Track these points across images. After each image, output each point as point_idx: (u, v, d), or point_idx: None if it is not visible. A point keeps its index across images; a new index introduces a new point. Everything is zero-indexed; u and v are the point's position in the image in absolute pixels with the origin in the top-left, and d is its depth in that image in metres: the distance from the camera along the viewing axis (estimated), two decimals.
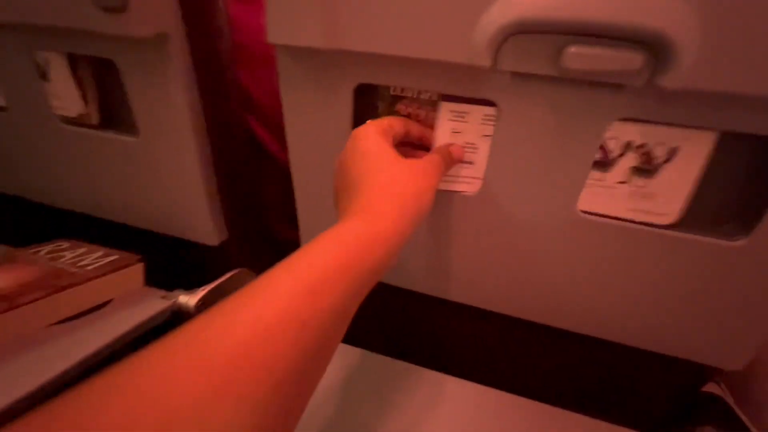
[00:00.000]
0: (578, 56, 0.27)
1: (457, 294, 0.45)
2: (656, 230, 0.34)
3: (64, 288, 0.41)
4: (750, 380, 0.50)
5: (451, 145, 0.36)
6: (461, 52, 0.29)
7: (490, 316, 0.45)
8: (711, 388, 0.48)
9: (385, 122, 0.33)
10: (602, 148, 0.33)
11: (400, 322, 0.55)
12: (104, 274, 0.45)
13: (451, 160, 0.35)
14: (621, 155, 0.33)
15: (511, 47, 0.29)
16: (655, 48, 0.26)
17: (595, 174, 0.34)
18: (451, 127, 0.36)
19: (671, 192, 0.32)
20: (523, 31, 0.28)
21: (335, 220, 0.46)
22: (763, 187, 0.31)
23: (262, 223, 0.65)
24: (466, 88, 0.33)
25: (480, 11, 0.28)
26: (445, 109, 0.35)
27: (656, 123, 0.31)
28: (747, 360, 0.38)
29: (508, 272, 0.41)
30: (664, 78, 0.26)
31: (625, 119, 0.31)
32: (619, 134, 0.32)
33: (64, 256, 0.48)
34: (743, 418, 0.40)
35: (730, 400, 0.46)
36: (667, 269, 0.35)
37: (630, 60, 0.26)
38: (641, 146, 0.32)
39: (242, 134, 0.54)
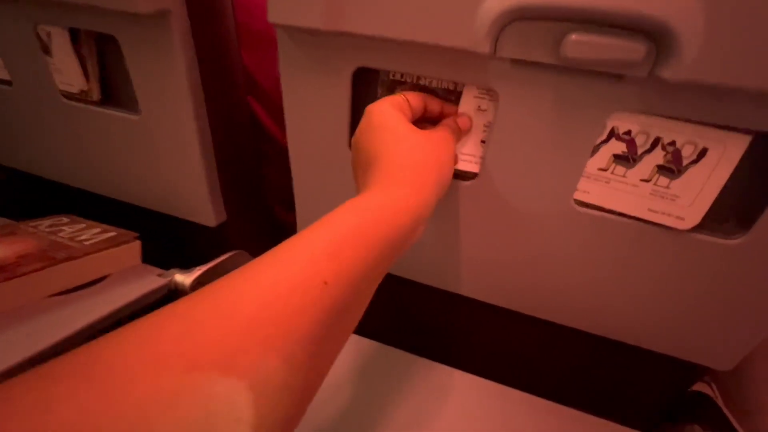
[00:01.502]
0: (579, 44, 0.26)
1: (455, 285, 0.45)
2: (653, 226, 0.33)
3: (62, 261, 0.42)
4: (740, 380, 0.50)
5: (460, 115, 0.35)
6: (461, 37, 0.29)
7: (489, 308, 0.45)
8: (701, 387, 0.48)
9: (401, 97, 0.32)
10: (630, 142, 0.31)
11: (406, 312, 0.55)
12: (102, 250, 0.46)
13: (460, 131, 0.35)
14: (648, 151, 0.31)
15: (512, 34, 0.28)
16: (657, 38, 0.25)
17: (618, 169, 0.32)
18: (476, 104, 0.35)
19: (694, 195, 0.31)
20: (523, 17, 0.27)
21: (332, 203, 0.46)
22: (761, 186, 0.30)
23: (261, 206, 0.65)
24: (465, 74, 0.33)
25: None
26: (471, 86, 0.35)
27: (689, 120, 0.29)
28: (738, 360, 0.38)
29: (504, 264, 0.40)
30: (666, 70, 0.26)
31: (626, 111, 0.30)
32: (648, 129, 0.31)
33: (63, 231, 0.48)
34: (730, 417, 0.40)
35: (718, 399, 0.46)
36: (663, 266, 0.35)
37: (632, 50, 0.26)
38: (671, 144, 0.30)
39: (244, 116, 0.54)
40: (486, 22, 0.28)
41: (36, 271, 0.39)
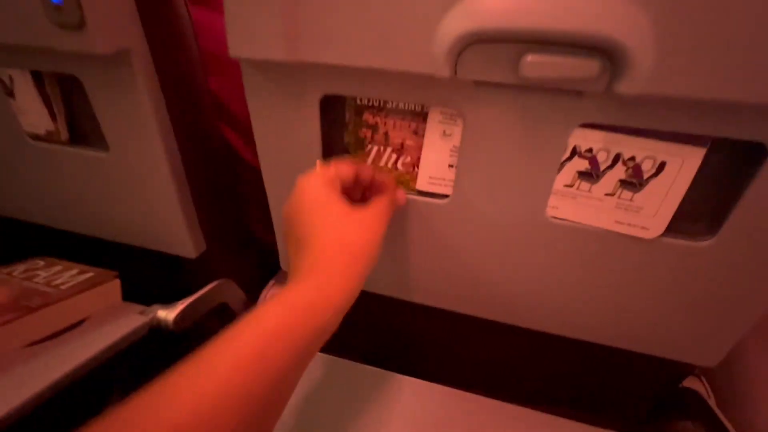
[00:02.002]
0: (536, 65, 0.27)
1: (433, 299, 0.45)
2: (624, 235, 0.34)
3: (37, 309, 0.41)
4: (730, 373, 0.50)
5: (396, 189, 0.36)
6: (421, 62, 0.29)
7: (467, 319, 0.45)
8: (692, 382, 0.48)
9: (332, 170, 0.32)
10: (592, 159, 0.32)
11: (376, 328, 0.55)
12: (79, 293, 0.45)
13: (394, 204, 0.35)
14: (610, 167, 0.32)
15: (470, 57, 0.28)
16: (611, 55, 0.26)
17: (583, 185, 0.33)
18: (441, 129, 0.35)
19: (657, 206, 0.32)
20: (480, 40, 0.27)
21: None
22: (727, 189, 0.31)
23: (242, 230, 0.65)
24: (430, 97, 0.33)
25: (437, 22, 0.28)
26: (435, 111, 0.35)
27: (645, 136, 0.30)
28: (722, 356, 0.39)
29: (483, 277, 0.41)
30: (621, 84, 0.26)
31: (589, 125, 0.31)
32: (609, 146, 0.31)
33: (38, 275, 0.47)
34: (718, 412, 0.41)
35: (708, 394, 0.46)
36: (640, 270, 0.35)
37: (587, 67, 0.26)
38: (630, 159, 0.31)
39: (216, 142, 0.54)
40: (444, 46, 0.28)
41: (9, 322, 0.38)
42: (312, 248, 0.28)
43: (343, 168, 0.33)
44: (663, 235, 0.33)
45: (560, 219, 0.35)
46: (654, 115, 0.29)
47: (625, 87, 0.26)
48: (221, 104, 0.53)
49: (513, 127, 0.32)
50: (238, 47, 0.33)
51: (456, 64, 0.29)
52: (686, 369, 0.44)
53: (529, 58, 0.27)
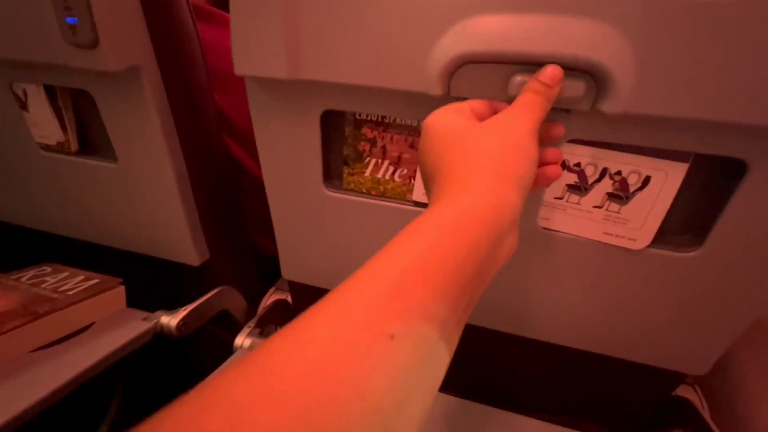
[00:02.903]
0: (524, 85, 0.28)
1: None
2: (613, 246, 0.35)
3: (44, 314, 0.42)
4: (723, 380, 0.51)
5: (546, 68, 0.27)
6: (416, 81, 0.31)
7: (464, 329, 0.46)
8: (684, 390, 0.49)
9: (465, 104, 0.28)
10: (581, 173, 0.33)
11: None
12: (85, 299, 0.46)
13: (549, 101, 0.27)
14: (598, 180, 0.33)
15: (462, 76, 0.30)
16: (595, 77, 0.27)
17: (573, 197, 0.34)
18: None
19: (643, 218, 0.33)
20: (472, 61, 0.29)
21: (312, 239, 0.47)
22: (710, 202, 0.32)
23: (245, 240, 0.66)
24: (425, 113, 0.35)
25: (431, 44, 0.29)
26: None
27: (630, 151, 0.31)
28: (711, 364, 0.40)
29: None
30: (605, 104, 0.28)
31: (576, 141, 0.32)
32: (596, 161, 0.33)
33: (45, 281, 0.49)
34: (709, 421, 0.41)
35: (700, 402, 0.47)
36: (629, 280, 0.37)
37: (573, 88, 0.27)
38: (617, 173, 0.32)
39: (221, 155, 0.56)
40: (437, 67, 0.30)
41: (17, 327, 0.40)
42: (444, 172, 0.24)
43: (475, 102, 0.28)
44: (651, 246, 0.34)
45: (551, 230, 0.36)
46: (637, 132, 0.30)
47: (609, 106, 0.27)
48: (226, 118, 0.55)
49: None
50: (243, 66, 0.35)
51: (449, 83, 0.30)
52: (678, 378, 0.45)
53: (518, 78, 0.28)
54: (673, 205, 0.34)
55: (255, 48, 0.33)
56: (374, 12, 0.30)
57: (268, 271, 0.65)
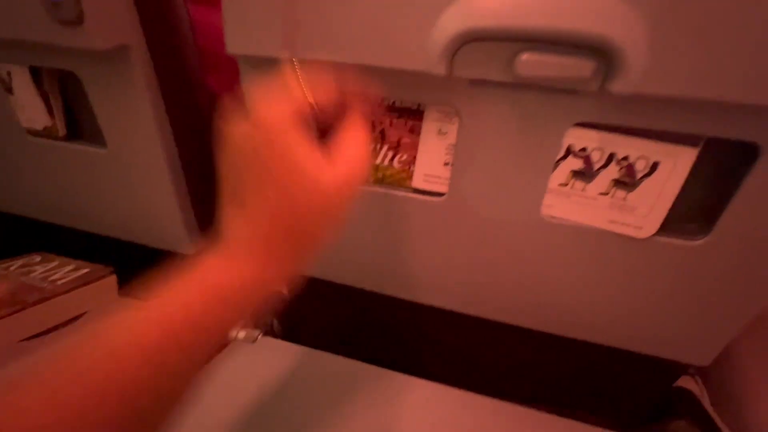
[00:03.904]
0: (530, 63, 0.27)
1: (430, 297, 0.45)
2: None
3: (33, 304, 0.41)
4: (723, 371, 0.50)
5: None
6: (417, 60, 0.29)
7: (466, 318, 0.45)
8: (686, 381, 0.49)
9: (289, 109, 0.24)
10: (586, 158, 0.32)
11: (375, 326, 0.55)
12: (75, 288, 0.45)
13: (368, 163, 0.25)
14: (604, 167, 0.32)
15: (466, 55, 0.28)
16: (604, 55, 0.26)
17: (578, 184, 0.33)
18: (437, 127, 0.36)
19: (650, 206, 0.32)
20: (475, 38, 0.28)
21: None
22: (720, 188, 0.31)
23: None
24: (426, 95, 0.33)
25: (433, 20, 0.28)
26: (431, 109, 0.35)
27: (639, 136, 0.30)
28: (715, 355, 0.39)
29: (479, 275, 0.41)
30: (615, 84, 0.26)
31: (584, 124, 0.31)
32: (603, 146, 0.31)
33: (35, 270, 0.47)
34: (711, 411, 0.41)
35: (702, 393, 0.46)
36: (634, 269, 0.36)
37: (581, 67, 0.26)
38: (624, 158, 0.31)
39: (213, 139, 0.54)
40: (440, 44, 0.28)
41: (5, 316, 0.38)
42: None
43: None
44: (657, 234, 0.33)
45: (555, 218, 0.35)
46: (648, 115, 0.29)
47: (619, 86, 0.26)
48: (218, 100, 0.53)
49: (508, 126, 0.32)
50: (236, 44, 0.33)
51: (452, 62, 0.29)
52: (680, 368, 0.44)
53: (524, 56, 0.27)
54: (681, 192, 0.33)
55: (247, 26, 0.32)
56: None
57: None
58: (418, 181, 0.38)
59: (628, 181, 0.31)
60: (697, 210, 0.33)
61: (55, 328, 0.44)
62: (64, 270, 0.48)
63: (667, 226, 0.33)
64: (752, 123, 0.27)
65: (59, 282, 0.45)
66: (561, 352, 0.46)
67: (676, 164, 0.29)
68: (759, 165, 0.28)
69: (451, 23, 0.27)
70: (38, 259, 0.51)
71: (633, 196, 0.31)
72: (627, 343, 0.40)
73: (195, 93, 0.48)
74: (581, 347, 0.43)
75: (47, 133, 0.47)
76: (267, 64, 0.35)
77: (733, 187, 0.30)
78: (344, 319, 0.58)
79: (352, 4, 0.29)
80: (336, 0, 0.29)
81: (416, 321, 0.52)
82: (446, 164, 0.37)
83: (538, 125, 0.31)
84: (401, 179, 0.39)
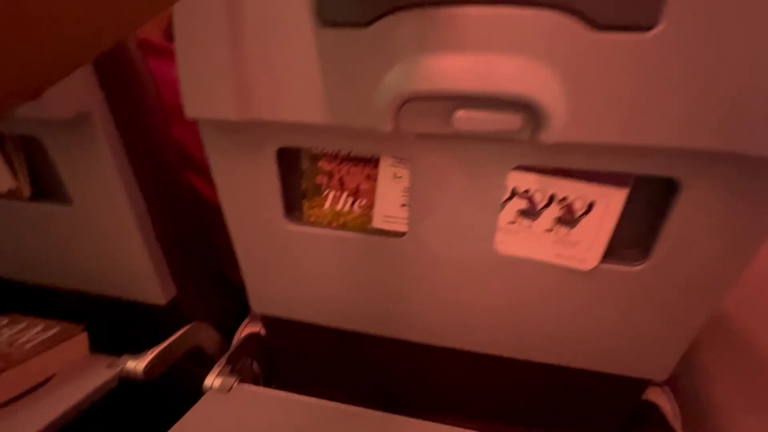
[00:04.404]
0: (464, 119, 0.29)
1: (398, 331, 0.46)
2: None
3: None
4: (692, 382, 0.53)
5: None
6: (365, 118, 0.31)
7: (438, 350, 0.46)
8: (655, 392, 0.50)
9: None
10: (530, 199, 0.35)
11: (358, 363, 0.55)
12: (45, 350, 0.44)
13: None
14: (546, 206, 0.35)
15: (408, 112, 0.31)
16: (530, 110, 0.28)
17: (525, 222, 0.36)
18: (392, 172, 0.38)
19: (591, 241, 0.35)
20: (416, 98, 0.30)
21: (278, 270, 0.46)
22: (653, 217, 0.34)
23: (217, 273, 0.65)
24: (378, 147, 0.36)
25: (376, 83, 0.30)
26: (386, 155, 0.37)
27: (576, 177, 0.33)
28: (670, 369, 0.41)
29: (443, 308, 0.42)
30: (542, 134, 0.29)
31: (523, 168, 0.33)
32: (544, 187, 0.34)
33: (1, 335, 0.47)
34: (673, 424, 0.43)
35: (670, 403, 0.48)
36: (585, 295, 0.38)
37: (510, 121, 0.29)
38: (563, 199, 0.34)
39: (183, 190, 0.55)
40: (384, 104, 0.30)
41: None
42: None
43: None
44: (602, 261, 0.36)
45: (508, 253, 0.37)
46: (578, 158, 0.32)
47: (545, 136, 0.29)
48: (186, 152, 0.54)
49: (455, 171, 0.34)
50: (194, 109, 0.35)
51: (396, 119, 0.31)
52: (643, 383, 0.46)
53: (459, 113, 0.29)
54: (619, 222, 0.35)
55: (203, 91, 0.34)
56: (319, 51, 0.30)
57: (243, 301, 0.65)
58: (378, 222, 0.40)
59: (568, 219, 0.33)
60: (636, 238, 0.36)
61: (26, 392, 0.44)
62: (33, 331, 0.47)
63: (611, 253, 0.36)
64: (670, 161, 0.30)
65: (27, 345, 0.44)
66: (527, 375, 0.47)
67: (609, 203, 0.32)
68: (681, 197, 0.31)
69: (392, 86, 0.30)
70: (5, 321, 0.50)
71: (575, 232, 0.34)
72: (589, 364, 0.42)
73: (161, 146, 0.49)
74: (550, 369, 0.44)
75: (12, 196, 0.47)
76: (227, 124, 0.37)
77: (663, 216, 0.33)
78: (329, 357, 0.59)
79: (301, 69, 0.31)
80: (286, 65, 0.31)
81: (386, 354, 0.53)
82: (403, 206, 0.38)
83: (482, 170, 0.34)
84: (362, 223, 0.41)
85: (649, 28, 0.25)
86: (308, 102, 0.32)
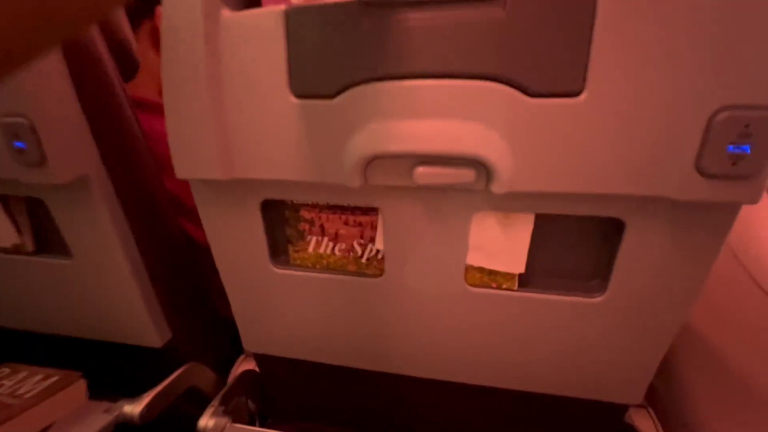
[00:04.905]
0: (424, 174, 0.33)
1: (380, 364, 0.48)
2: (532, 295, 0.39)
3: (1, 422, 0.42)
4: (675, 401, 0.54)
5: None
6: (337, 175, 0.35)
7: (425, 382, 0.48)
8: (637, 414, 0.52)
9: None
10: None
11: (335, 397, 0.57)
12: (44, 399, 0.46)
13: None
14: None
15: (375, 169, 0.34)
16: (481, 166, 0.32)
17: None
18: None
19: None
20: (380, 157, 0.34)
21: (267, 311, 0.49)
22: (607, 253, 0.37)
23: (212, 313, 0.67)
24: (353, 198, 0.39)
25: (343, 145, 0.34)
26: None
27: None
28: (643, 393, 0.43)
29: (420, 341, 0.45)
30: (493, 185, 0.32)
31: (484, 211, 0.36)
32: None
33: (3, 385, 0.48)
34: None
35: (652, 423, 0.50)
36: (550, 325, 0.40)
37: (465, 175, 0.32)
38: None
39: (176, 237, 0.58)
40: (351, 163, 0.34)
41: None
42: None
43: None
44: (563, 293, 0.38)
45: (476, 287, 0.40)
46: (530, 202, 0.35)
47: (497, 187, 0.32)
48: (179, 200, 0.57)
49: (422, 217, 0.37)
50: (183, 170, 0.38)
51: (364, 175, 0.35)
52: (621, 407, 0.48)
53: (420, 169, 0.33)
54: (578, 257, 0.38)
55: (191, 154, 0.37)
56: (294, 118, 0.34)
57: (237, 340, 0.66)
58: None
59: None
60: (594, 271, 0.39)
61: None
62: (33, 381, 0.49)
63: (573, 286, 0.39)
64: (612, 204, 0.34)
65: (27, 395, 0.46)
66: (514, 402, 0.49)
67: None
68: (626, 235, 0.34)
69: (358, 148, 0.33)
70: (6, 371, 0.52)
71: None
72: (564, 390, 0.44)
73: (154, 198, 0.53)
74: (534, 397, 0.46)
75: (16, 250, 0.50)
76: (214, 183, 0.40)
77: (614, 252, 0.36)
78: (320, 392, 0.60)
79: (277, 134, 0.35)
80: (266, 131, 0.35)
81: (392, 389, 0.55)
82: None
83: (447, 216, 0.37)
84: (343, 264, 0.43)
85: (577, 94, 0.29)
86: (287, 162, 0.36)
